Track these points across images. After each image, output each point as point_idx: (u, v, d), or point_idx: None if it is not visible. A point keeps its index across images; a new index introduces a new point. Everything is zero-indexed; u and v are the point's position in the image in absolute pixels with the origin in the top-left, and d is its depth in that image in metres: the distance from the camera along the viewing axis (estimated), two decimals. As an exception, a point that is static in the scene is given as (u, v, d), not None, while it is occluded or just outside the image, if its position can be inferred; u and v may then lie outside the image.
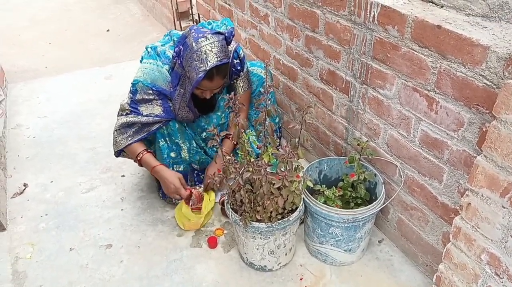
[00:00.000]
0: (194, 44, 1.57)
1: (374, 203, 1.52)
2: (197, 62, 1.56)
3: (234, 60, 1.82)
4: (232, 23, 1.83)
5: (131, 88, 1.74)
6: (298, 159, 1.49)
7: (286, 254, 1.63)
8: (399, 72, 1.43)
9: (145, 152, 1.80)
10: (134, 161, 1.87)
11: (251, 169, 1.46)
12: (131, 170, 2.22)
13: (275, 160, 1.52)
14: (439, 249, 1.48)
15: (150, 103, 1.73)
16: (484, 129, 1.19)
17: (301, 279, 1.62)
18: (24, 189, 2.12)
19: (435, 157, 1.39)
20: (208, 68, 1.56)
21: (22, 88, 3.11)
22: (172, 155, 1.85)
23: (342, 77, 1.74)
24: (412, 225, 1.59)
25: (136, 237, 1.82)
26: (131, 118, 1.75)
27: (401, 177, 1.56)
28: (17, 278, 1.64)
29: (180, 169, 1.90)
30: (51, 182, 2.16)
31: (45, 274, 1.66)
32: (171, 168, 1.87)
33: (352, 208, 1.64)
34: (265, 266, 1.63)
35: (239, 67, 1.85)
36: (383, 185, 1.60)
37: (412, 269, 1.64)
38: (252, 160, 1.50)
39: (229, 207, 1.57)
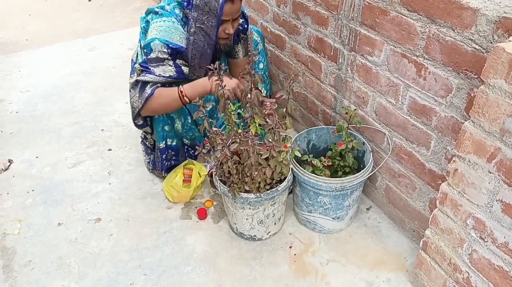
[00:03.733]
0: None
1: (362, 171, 1.52)
2: None
3: (240, 19, 1.78)
4: None
5: (145, 50, 1.65)
6: (286, 129, 1.47)
7: (275, 223, 1.64)
8: (388, 38, 1.40)
9: (181, 86, 1.67)
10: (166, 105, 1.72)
11: (238, 140, 1.45)
12: (117, 143, 2.19)
13: (262, 130, 1.50)
14: (426, 215, 1.50)
15: (162, 63, 1.64)
16: (472, 94, 1.17)
17: (290, 247, 1.64)
18: (9, 165, 2.08)
19: (423, 123, 1.38)
20: None
21: (2, 62, 3.00)
22: (166, 128, 1.82)
23: (330, 45, 1.70)
24: (400, 192, 1.60)
25: (125, 210, 1.81)
26: (144, 77, 1.65)
27: (389, 144, 1.56)
28: (6, 254, 1.63)
29: (172, 143, 1.87)
30: (37, 157, 2.12)
31: (34, 250, 1.65)
32: (164, 141, 1.84)
33: (340, 177, 1.64)
34: (255, 235, 1.64)
35: (245, 26, 1.83)
36: (371, 153, 1.59)
37: (399, 235, 1.66)
38: (239, 131, 1.48)
39: (217, 178, 1.56)
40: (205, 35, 1.64)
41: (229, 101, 1.48)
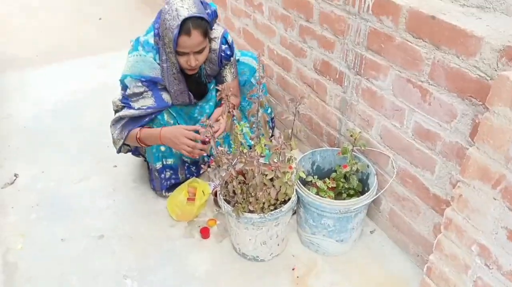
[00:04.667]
0: (166, 6, 1.58)
1: (366, 194, 1.53)
2: (170, 22, 1.55)
3: (223, 45, 1.82)
4: (215, 5, 1.78)
5: (121, 85, 1.72)
6: (291, 150, 1.48)
7: (278, 245, 1.64)
8: (393, 63, 1.42)
9: (141, 129, 1.74)
10: (133, 147, 1.88)
11: (243, 160, 1.46)
12: (123, 160, 2.20)
13: (267, 151, 1.52)
14: (430, 239, 1.49)
15: (141, 96, 1.70)
16: (477, 121, 1.19)
17: (293, 269, 1.62)
18: (15, 179, 2.10)
19: (427, 148, 1.39)
20: (180, 22, 1.52)
21: (12, 77, 3.05)
22: (162, 148, 1.82)
23: (336, 68, 1.73)
24: (404, 215, 1.60)
25: (128, 227, 1.81)
26: (123, 112, 1.74)
27: (394, 168, 1.56)
28: (8, 269, 1.63)
29: (170, 163, 1.88)
30: (43, 172, 2.14)
31: (36, 265, 1.64)
32: (160, 162, 1.85)
33: (344, 199, 1.65)
34: (258, 256, 1.63)
35: (228, 52, 1.85)
36: (375, 176, 1.60)
37: (403, 259, 1.65)
38: (245, 151, 1.49)
39: (221, 197, 1.56)
40: (173, 63, 1.67)
41: (236, 122, 1.50)
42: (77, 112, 2.64)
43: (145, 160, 2.02)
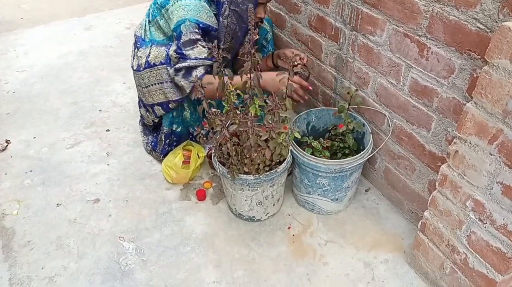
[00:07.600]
0: None
1: (361, 152, 1.52)
2: None
3: None
4: None
5: (175, 33, 1.60)
6: (286, 110, 1.45)
7: (274, 205, 1.64)
8: (390, 17, 1.37)
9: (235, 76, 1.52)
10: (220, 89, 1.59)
11: (237, 121, 1.43)
12: (115, 124, 2.17)
13: (261, 111, 1.49)
14: (425, 196, 1.50)
15: (195, 45, 1.59)
16: (475, 75, 1.16)
17: (289, 228, 1.64)
18: (7, 145, 2.07)
19: (424, 105, 1.37)
20: None
21: (-3, 41, 2.96)
22: (175, 114, 1.80)
23: (331, 24, 1.67)
24: (399, 173, 1.60)
25: (123, 191, 1.81)
26: (181, 63, 1.60)
27: (390, 126, 1.54)
28: (5, 234, 1.64)
29: (177, 129, 1.85)
30: (34, 137, 2.11)
31: (33, 230, 1.65)
32: (170, 126, 1.82)
33: (339, 158, 1.64)
34: (254, 216, 1.64)
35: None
36: (371, 135, 1.58)
37: (398, 217, 1.67)
38: (238, 112, 1.46)
39: (216, 160, 1.55)
40: (238, 18, 1.60)
41: (228, 82, 1.46)
42: (66, 75, 2.58)
43: (139, 122, 1.99)
